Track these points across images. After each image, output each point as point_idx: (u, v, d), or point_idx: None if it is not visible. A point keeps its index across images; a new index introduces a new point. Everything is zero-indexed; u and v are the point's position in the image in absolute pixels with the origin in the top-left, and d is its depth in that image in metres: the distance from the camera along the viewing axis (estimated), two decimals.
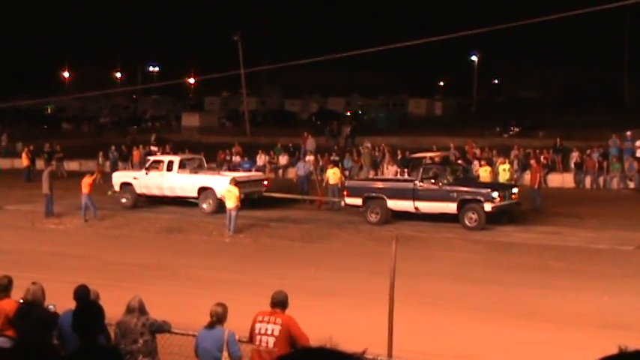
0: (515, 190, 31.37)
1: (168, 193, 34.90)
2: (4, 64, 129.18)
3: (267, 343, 10.66)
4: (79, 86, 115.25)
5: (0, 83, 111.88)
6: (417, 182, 30.72)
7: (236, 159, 47.50)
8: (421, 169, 31.80)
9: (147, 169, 35.79)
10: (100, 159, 46.05)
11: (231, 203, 29.21)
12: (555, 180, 41.46)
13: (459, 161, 40.29)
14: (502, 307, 19.23)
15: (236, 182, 30.75)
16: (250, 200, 33.86)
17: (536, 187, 33.98)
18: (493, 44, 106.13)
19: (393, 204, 30.78)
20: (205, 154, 47.12)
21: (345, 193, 32.45)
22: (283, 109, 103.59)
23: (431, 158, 37.68)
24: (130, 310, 11.17)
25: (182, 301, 18.22)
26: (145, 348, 11.06)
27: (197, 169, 36.34)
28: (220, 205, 32.77)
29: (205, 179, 34.71)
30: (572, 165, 41.69)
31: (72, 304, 11.22)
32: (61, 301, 11.85)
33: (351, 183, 33.49)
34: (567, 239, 27.39)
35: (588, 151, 41.88)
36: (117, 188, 36.15)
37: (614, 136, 44.86)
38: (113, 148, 47.59)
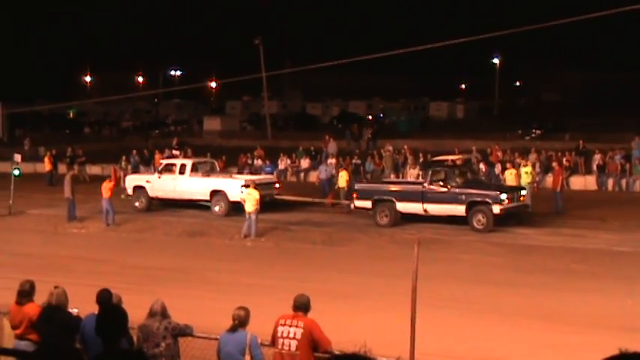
0: (523, 192, 31.46)
1: (180, 196, 35.22)
2: (26, 69, 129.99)
3: (289, 346, 10.66)
4: (101, 90, 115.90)
5: (22, 87, 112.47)
6: (425, 185, 30.89)
7: (258, 163, 47.57)
8: (430, 172, 31.98)
9: (160, 172, 36.15)
10: (123, 163, 46.18)
11: (250, 206, 29.23)
12: (578, 182, 41.28)
13: (481, 164, 40.22)
14: (524, 309, 19.16)
15: (255, 185, 30.87)
16: (262, 203, 33.94)
17: (558, 189, 33.83)
18: (515, 46, 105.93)
19: (402, 206, 30.99)
20: (227, 157, 47.38)
21: (354, 195, 32.62)
22: (304, 113, 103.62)
23: (452, 161, 37.58)
24: (152, 313, 11.20)
25: (204, 304, 18.25)
26: (167, 351, 11.09)
27: (209, 172, 36.58)
28: (233, 208, 33.40)
29: (217, 182, 35.09)
30: (595, 167, 41.49)
31: (94, 308, 11.26)
32: (83, 305, 11.90)
33: (360, 186, 33.60)
34: (590, 242, 27.28)
35: (610, 154, 41.66)
36: (130, 192, 36.52)
37: (637, 138, 44.68)
38: (134, 152, 47.70)
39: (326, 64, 37.00)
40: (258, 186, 33.57)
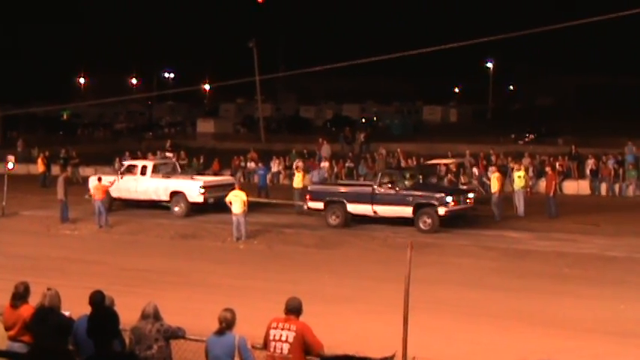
0: (471, 195, 32.17)
1: (141, 196, 35.70)
2: (20, 71, 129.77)
3: (281, 349, 10.64)
4: (95, 92, 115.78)
5: (16, 89, 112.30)
6: (375, 187, 31.51)
7: (251, 165, 47.59)
8: (379, 174, 32.95)
9: (121, 173, 36.61)
10: (116, 165, 46.14)
11: (237, 208, 29.25)
12: (571, 187, 41.34)
13: (474, 168, 40.30)
14: (518, 314, 19.18)
15: (241, 187, 31.02)
16: (220, 204, 34.50)
17: (551, 194, 33.87)
18: (508, 51, 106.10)
19: (353, 207, 31.73)
20: (220, 160, 47.41)
21: (307, 197, 33.22)
22: (298, 116, 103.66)
23: (446, 165, 37.64)
24: (144, 316, 11.18)
25: (196, 306, 18.24)
26: (160, 354, 11.07)
27: (170, 173, 37.12)
28: (193, 209, 34.64)
29: (177, 183, 35.70)
30: (588, 172, 41.56)
31: (87, 310, 11.25)
32: (76, 307, 11.88)
33: (313, 187, 34.36)
34: (583, 246, 27.32)
35: (604, 158, 41.74)
36: (92, 192, 36.52)
37: (630, 143, 44.77)
38: (127, 153, 47.66)
39: (319, 68, 36.98)
40: (215, 187, 35.04)
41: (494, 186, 33.41)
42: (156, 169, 36.71)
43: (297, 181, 36.11)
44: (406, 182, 31.79)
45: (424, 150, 54.27)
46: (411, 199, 30.63)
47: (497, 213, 32.87)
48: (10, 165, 37.23)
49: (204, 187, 34.82)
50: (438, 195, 30.57)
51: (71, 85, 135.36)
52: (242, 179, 45.59)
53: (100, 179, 33.97)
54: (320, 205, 32.35)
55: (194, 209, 34.98)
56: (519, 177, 34.34)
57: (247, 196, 29.95)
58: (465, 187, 36.55)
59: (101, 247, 29.28)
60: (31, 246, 29.44)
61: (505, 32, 30.53)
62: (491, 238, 28.94)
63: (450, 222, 30.64)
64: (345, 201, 31.81)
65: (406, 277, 12.31)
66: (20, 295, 11.84)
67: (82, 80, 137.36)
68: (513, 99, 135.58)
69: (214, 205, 34.99)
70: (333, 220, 31.86)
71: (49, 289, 11.64)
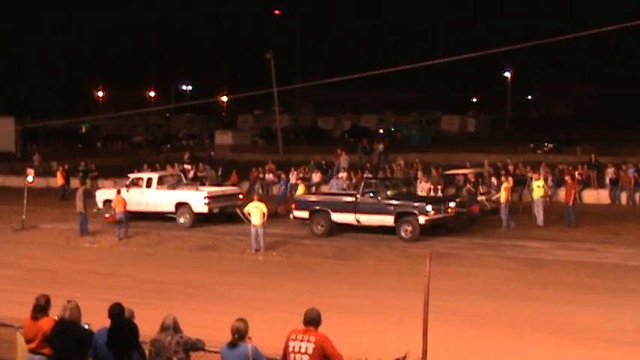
0: (452, 204, 32.57)
1: (147, 208, 35.77)
2: (39, 84, 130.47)
3: None
4: (114, 105, 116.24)
5: (35, 102, 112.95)
6: (358, 196, 32.21)
7: (269, 177, 47.62)
8: (362, 184, 33.61)
9: (127, 186, 36.65)
10: None
11: (257, 219, 29.29)
12: (590, 196, 41.13)
13: (493, 178, 40.16)
14: (537, 324, 19.08)
15: (260, 198, 31.10)
16: (226, 214, 35.41)
17: (570, 203, 33.70)
18: (526, 60, 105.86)
19: (337, 217, 32.39)
20: (238, 171, 47.46)
21: (293, 206, 33.85)
22: (316, 127, 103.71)
23: (464, 175, 37.57)
24: (164, 328, 11.18)
25: (215, 318, 18.22)
26: None
27: (175, 185, 37.37)
28: (198, 220, 34.95)
29: (182, 195, 36.02)
30: (608, 181, 41.35)
31: (106, 322, 11.29)
32: (95, 319, 11.91)
33: (298, 197, 35.06)
34: (603, 256, 27.17)
35: (624, 167, 41.50)
36: (100, 205, 37.26)
37: None
38: (146, 166, 47.80)
39: (337, 79, 36.99)
40: (219, 197, 35.49)
41: (503, 196, 33.38)
42: (161, 181, 37.00)
43: (300, 192, 36.48)
44: (388, 192, 32.35)
45: (442, 160, 54.19)
46: (392, 208, 31.29)
47: (505, 223, 32.85)
48: (30, 178, 37.49)
49: (208, 198, 35.03)
50: (417, 204, 31.21)
51: (89, 98, 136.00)
52: (260, 190, 45.65)
53: (119, 192, 34.13)
54: (305, 214, 32.96)
55: (201, 220, 35.13)
56: (538, 186, 34.17)
57: (267, 207, 29.97)
58: (484, 196, 36.49)
59: (120, 260, 29.36)
60: (51, 259, 29.57)
61: (522, 42, 30.45)
62: (510, 248, 28.83)
63: (431, 230, 31.22)
64: (329, 210, 32.43)
65: (425, 287, 12.28)
66: (41, 308, 11.87)
67: (100, 93, 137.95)
68: (531, 108, 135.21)
69: (221, 215, 35.22)
70: (317, 229, 32.43)
71: (69, 301, 11.66)
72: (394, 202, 31.55)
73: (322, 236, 31.98)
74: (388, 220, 31.26)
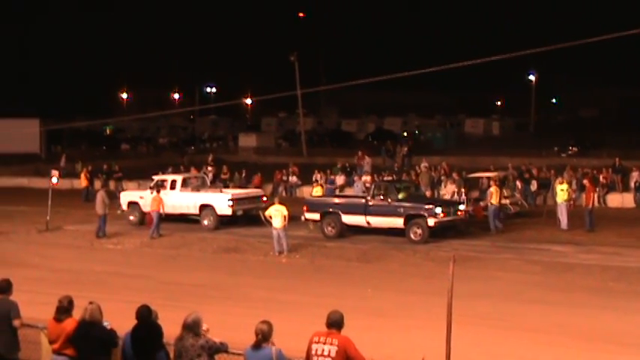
0: (461, 207, 32.82)
1: (171, 210, 35.61)
2: (64, 86, 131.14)
3: None
4: (138, 107, 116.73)
5: (60, 104, 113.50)
6: (368, 198, 32.43)
7: (293, 179, 47.67)
8: (373, 186, 33.89)
9: (151, 188, 36.58)
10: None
11: (278, 222, 29.33)
12: (615, 200, 40.93)
13: (517, 181, 40.05)
14: (562, 328, 18.98)
15: (281, 201, 31.22)
16: (249, 217, 35.45)
17: (589, 206, 33.46)
18: (551, 63, 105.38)
19: (347, 219, 32.62)
20: (262, 174, 47.54)
21: (304, 208, 33.92)
22: (340, 129, 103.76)
23: (488, 178, 37.47)
24: (186, 326, 11.09)
25: (239, 321, 18.21)
26: None
27: (199, 187, 37.49)
28: (222, 222, 35.14)
29: (205, 197, 36.19)
30: (632, 185, 41.12)
31: (131, 324, 11.33)
32: (119, 321, 11.96)
33: (309, 199, 35.48)
34: (628, 260, 27.01)
35: None
36: (125, 207, 37.62)
37: None
38: (170, 169, 47.96)
39: (361, 82, 37.01)
40: (242, 200, 35.65)
41: (494, 199, 33.29)
42: (185, 183, 37.10)
43: (315, 193, 36.84)
44: (399, 194, 32.48)
45: (466, 163, 54.06)
46: (401, 210, 31.46)
47: (492, 225, 32.85)
48: (55, 180, 37.72)
49: (232, 200, 35.14)
50: (427, 206, 31.33)
51: (114, 100, 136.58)
52: (284, 193, 45.71)
53: (159, 191, 34.66)
54: (316, 216, 33.21)
55: (225, 222, 35.25)
56: (562, 190, 33.99)
57: (288, 210, 29.99)
58: (507, 200, 36.36)
59: (144, 261, 29.44)
60: (75, 260, 29.70)
61: (547, 44, 30.36)
62: (534, 252, 28.71)
63: (441, 233, 31.33)
64: (340, 212, 32.65)
65: (449, 291, 12.25)
66: (64, 309, 11.94)
67: (124, 95, 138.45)
68: (556, 111, 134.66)
69: (244, 217, 35.29)
70: (329, 230, 32.69)
71: (90, 303, 11.72)
72: (404, 204, 31.72)
73: (333, 238, 32.22)
74: (398, 222, 31.43)
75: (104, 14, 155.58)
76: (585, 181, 36.19)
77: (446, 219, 31.19)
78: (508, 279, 24.85)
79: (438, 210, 30.92)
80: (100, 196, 34.23)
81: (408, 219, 31.18)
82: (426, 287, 22.99)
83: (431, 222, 30.65)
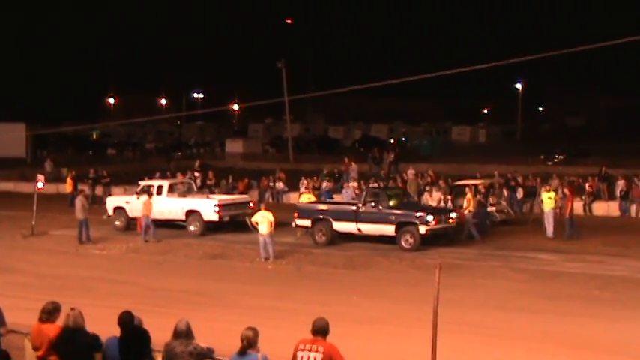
0: (453, 214, 32.58)
1: (157, 216, 35.31)
2: (50, 90, 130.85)
3: None
4: (125, 112, 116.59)
5: (46, 109, 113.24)
6: (359, 205, 32.30)
7: (279, 185, 47.64)
8: (364, 193, 33.89)
9: (137, 193, 36.63)
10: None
11: (264, 229, 29.30)
12: (600, 208, 41.06)
13: (504, 189, 40.14)
14: (548, 336, 18.98)
15: (268, 207, 31.18)
16: (236, 223, 35.41)
17: (567, 215, 33.56)
18: (538, 71, 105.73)
19: (339, 226, 32.57)
20: (248, 180, 47.48)
21: (295, 214, 33.78)
22: (327, 136, 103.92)
23: (474, 185, 37.52)
24: (177, 333, 11.08)
25: (225, 327, 18.16)
26: None
27: (186, 192, 37.49)
28: (208, 228, 35.08)
29: (192, 203, 36.11)
30: (618, 193, 41.24)
31: (114, 330, 11.28)
32: (104, 327, 11.90)
33: (300, 205, 35.18)
34: (613, 268, 27.08)
35: (635, 180, 41.37)
36: (110, 212, 37.60)
37: None
38: (158, 174, 47.84)
39: (348, 89, 36.99)
40: (230, 206, 35.58)
41: (470, 206, 33.41)
42: (172, 189, 37.08)
43: (303, 199, 36.82)
44: (390, 202, 32.42)
45: (453, 171, 54.16)
46: (393, 217, 31.40)
47: (471, 232, 32.91)
48: (40, 185, 37.61)
49: (219, 206, 35.08)
50: (418, 214, 31.22)
51: (100, 105, 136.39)
52: (271, 199, 45.67)
53: (150, 195, 34.88)
54: (307, 222, 33.12)
55: (211, 228, 35.20)
56: (550, 198, 34.03)
57: (274, 216, 29.97)
58: (494, 207, 36.45)
59: (130, 267, 29.37)
60: (60, 265, 29.58)
61: (534, 53, 30.42)
62: (520, 260, 28.76)
63: (432, 240, 31.28)
64: (331, 219, 32.58)
65: (435, 298, 12.25)
66: (47, 311, 11.89)
67: (111, 100, 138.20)
68: (543, 119, 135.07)
69: (230, 223, 35.23)
70: (319, 237, 32.62)
71: (72, 309, 11.67)
72: (395, 211, 31.65)
73: (324, 245, 32.12)
74: (389, 229, 31.38)
75: (92, 18, 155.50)
76: (565, 190, 36.31)
77: (437, 227, 31.14)
78: (494, 287, 24.86)
79: (430, 218, 30.89)
80: (80, 201, 34.15)
81: (400, 226, 31.13)
82: (412, 294, 22.97)
83: (422, 230, 30.63)
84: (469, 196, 33.93)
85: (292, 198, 44.87)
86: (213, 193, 41.27)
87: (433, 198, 38.74)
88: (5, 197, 51.21)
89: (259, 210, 30.78)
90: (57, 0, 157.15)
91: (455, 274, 25.54)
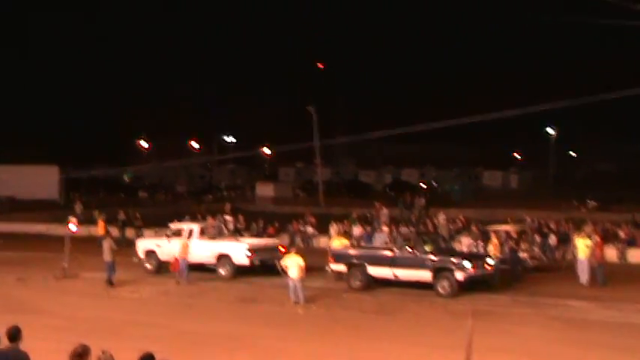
0: (490, 260, 32.10)
1: (188, 259, 35.26)
2: (82, 134, 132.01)
3: None
4: (157, 155, 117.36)
5: (78, 152, 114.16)
6: (395, 250, 32.01)
7: (309, 229, 47.61)
8: (401, 239, 33.96)
9: (168, 236, 36.56)
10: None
11: (294, 273, 29.23)
12: (636, 256, 40.62)
13: (536, 235, 39.88)
14: None
15: (298, 251, 31.14)
16: (267, 266, 35.10)
17: (598, 262, 33.16)
18: (569, 116, 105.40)
19: (374, 270, 32.26)
20: (279, 224, 47.48)
21: (330, 259, 33.72)
22: (357, 180, 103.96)
23: (506, 231, 37.33)
24: None
25: None
26: None
27: (216, 236, 37.52)
28: (239, 271, 35.00)
29: (223, 246, 36.11)
30: None
31: None
32: None
33: (335, 250, 34.76)
34: None
35: None
36: (141, 255, 37.69)
37: None
38: (188, 217, 47.99)
39: (379, 133, 37.08)
40: (260, 250, 35.53)
41: (496, 251, 33.43)
42: (203, 232, 37.06)
43: (340, 245, 36.16)
44: (426, 247, 32.12)
45: (484, 216, 53.91)
46: (430, 263, 31.01)
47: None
48: (73, 227, 37.75)
49: (250, 250, 35.02)
50: (456, 260, 30.82)
51: (132, 147, 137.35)
52: (301, 243, 45.64)
53: (189, 237, 35.29)
54: (342, 267, 32.98)
55: (242, 271, 35.16)
56: (586, 245, 33.61)
57: (305, 260, 29.89)
58: (525, 254, 36.17)
59: (161, 310, 29.33)
60: (91, 308, 29.60)
61: (565, 99, 30.39)
62: (553, 307, 28.46)
63: (470, 287, 30.83)
64: (366, 264, 32.30)
65: (467, 345, 12.12)
66: (77, 355, 11.83)
67: (143, 143, 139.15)
68: (575, 165, 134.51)
69: (261, 267, 35.14)
70: (355, 282, 32.37)
71: (103, 352, 11.63)
72: (432, 257, 31.30)
73: (359, 290, 31.87)
74: (426, 275, 31.00)
75: (124, 62, 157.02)
76: (595, 236, 36.00)
77: (476, 273, 30.78)
78: (526, 334, 24.58)
79: (468, 264, 30.51)
80: (107, 243, 34.33)
81: (437, 272, 30.73)
82: (443, 340, 22.76)
83: (460, 276, 30.25)
84: (495, 241, 33.71)
85: (322, 242, 44.78)
86: (243, 236, 41.25)
87: (463, 243, 38.51)
88: (37, 239, 51.51)
89: (289, 254, 30.72)
90: (90, 44, 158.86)
91: (487, 320, 25.29)
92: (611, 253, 36.80)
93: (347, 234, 42.44)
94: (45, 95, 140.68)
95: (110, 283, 33.52)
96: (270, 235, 44.57)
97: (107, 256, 33.83)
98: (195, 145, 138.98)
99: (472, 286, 31.08)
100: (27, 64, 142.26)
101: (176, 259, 34.73)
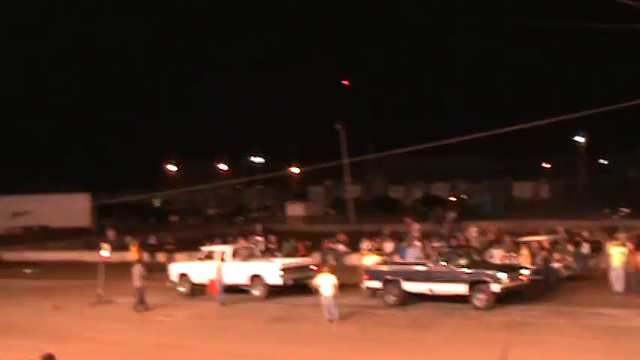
0: (525, 271, 31.94)
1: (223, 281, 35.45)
2: (112, 159, 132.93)
3: None
4: (185, 178, 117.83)
5: (108, 178, 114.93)
6: (430, 265, 31.96)
7: (340, 247, 47.57)
8: (436, 253, 33.66)
9: (201, 259, 36.61)
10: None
11: (327, 291, 29.28)
12: None
13: (569, 245, 39.61)
14: None
15: (330, 269, 31.18)
16: (301, 286, 35.05)
17: (634, 269, 32.92)
18: (599, 123, 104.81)
19: (409, 286, 32.17)
20: (311, 242, 47.53)
21: (365, 276, 33.65)
22: (387, 196, 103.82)
23: (538, 242, 37.12)
24: None
25: None
26: None
27: (249, 257, 37.59)
28: (272, 292, 35.06)
29: (256, 267, 36.15)
30: None
31: None
32: None
33: (370, 267, 34.61)
34: None
35: None
36: (174, 279, 37.85)
37: None
38: (219, 239, 48.16)
39: (408, 149, 37.03)
40: (294, 269, 35.60)
41: (527, 262, 33.39)
42: (235, 254, 37.17)
43: (366, 261, 36.23)
44: (460, 260, 32.07)
45: (515, 227, 53.64)
46: (465, 276, 30.94)
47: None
48: (107, 254, 38.01)
49: (283, 270, 35.07)
50: (491, 272, 30.79)
51: (161, 172, 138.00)
52: (333, 261, 45.61)
53: (223, 260, 35.60)
54: (378, 284, 32.93)
55: (275, 291, 35.23)
56: (621, 253, 33.35)
57: (337, 278, 29.90)
58: (559, 263, 35.93)
59: (195, 333, 29.44)
60: (127, 332, 29.80)
61: (594, 105, 30.26)
62: (588, 316, 28.26)
63: (506, 299, 30.64)
64: (400, 280, 32.26)
65: (503, 357, 12.09)
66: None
67: (171, 167, 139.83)
68: (606, 172, 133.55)
69: (295, 286, 35.15)
70: (390, 298, 32.35)
71: None
72: (467, 270, 31.24)
73: (395, 306, 31.85)
74: (462, 288, 30.90)
75: (151, 88, 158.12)
76: (629, 243, 35.70)
77: (511, 284, 30.68)
78: (563, 344, 24.43)
79: (503, 276, 30.44)
80: (137, 269, 34.54)
81: (472, 285, 30.66)
82: (479, 353, 22.66)
83: (496, 288, 30.19)
84: (525, 252, 33.56)
85: (354, 259, 44.74)
86: (275, 256, 41.31)
87: (495, 255, 38.28)
88: (70, 266, 51.87)
89: (322, 272, 30.75)
90: (118, 73, 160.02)
91: (522, 331, 25.17)
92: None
93: (379, 250, 42.37)
94: (74, 125, 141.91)
95: (142, 307, 33.65)
96: (302, 255, 44.58)
97: (137, 281, 34.05)
98: (223, 166, 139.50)
99: (509, 298, 30.91)
100: (54, 93, 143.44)
101: (212, 282, 34.87)
